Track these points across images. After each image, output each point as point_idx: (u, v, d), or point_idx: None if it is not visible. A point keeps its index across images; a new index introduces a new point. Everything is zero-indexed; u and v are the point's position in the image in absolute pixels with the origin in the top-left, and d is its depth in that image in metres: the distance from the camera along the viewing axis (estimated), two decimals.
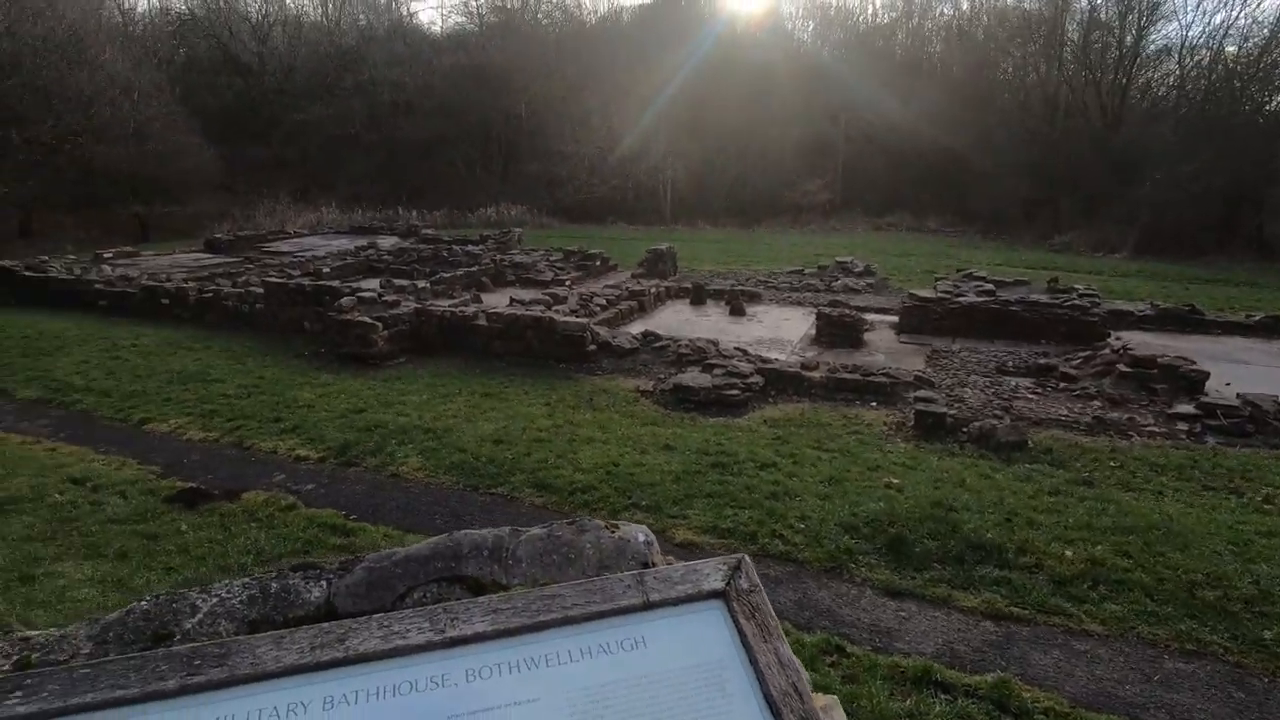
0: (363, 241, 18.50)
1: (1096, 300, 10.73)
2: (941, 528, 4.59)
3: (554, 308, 10.95)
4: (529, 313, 10.09)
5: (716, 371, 8.63)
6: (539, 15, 42.27)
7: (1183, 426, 7.18)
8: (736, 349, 9.66)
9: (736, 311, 12.48)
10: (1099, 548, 4.33)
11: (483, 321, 10.23)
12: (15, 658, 1.14)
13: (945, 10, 39.33)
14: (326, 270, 15.29)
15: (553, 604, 1.15)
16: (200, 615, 1.21)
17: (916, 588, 4.02)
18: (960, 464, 6.16)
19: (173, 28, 38.24)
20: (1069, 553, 4.24)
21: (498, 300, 12.49)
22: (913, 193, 33.10)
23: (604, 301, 11.91)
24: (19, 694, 0.97)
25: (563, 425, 7.04)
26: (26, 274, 14.04)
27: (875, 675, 3.21)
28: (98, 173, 23.78)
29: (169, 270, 15.05)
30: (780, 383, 8.52)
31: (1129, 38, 26.46)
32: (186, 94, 31.17)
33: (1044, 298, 11.10)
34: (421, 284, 13.42)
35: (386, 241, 18.79)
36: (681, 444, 6.47)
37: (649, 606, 1.19)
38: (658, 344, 10.05)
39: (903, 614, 3.81)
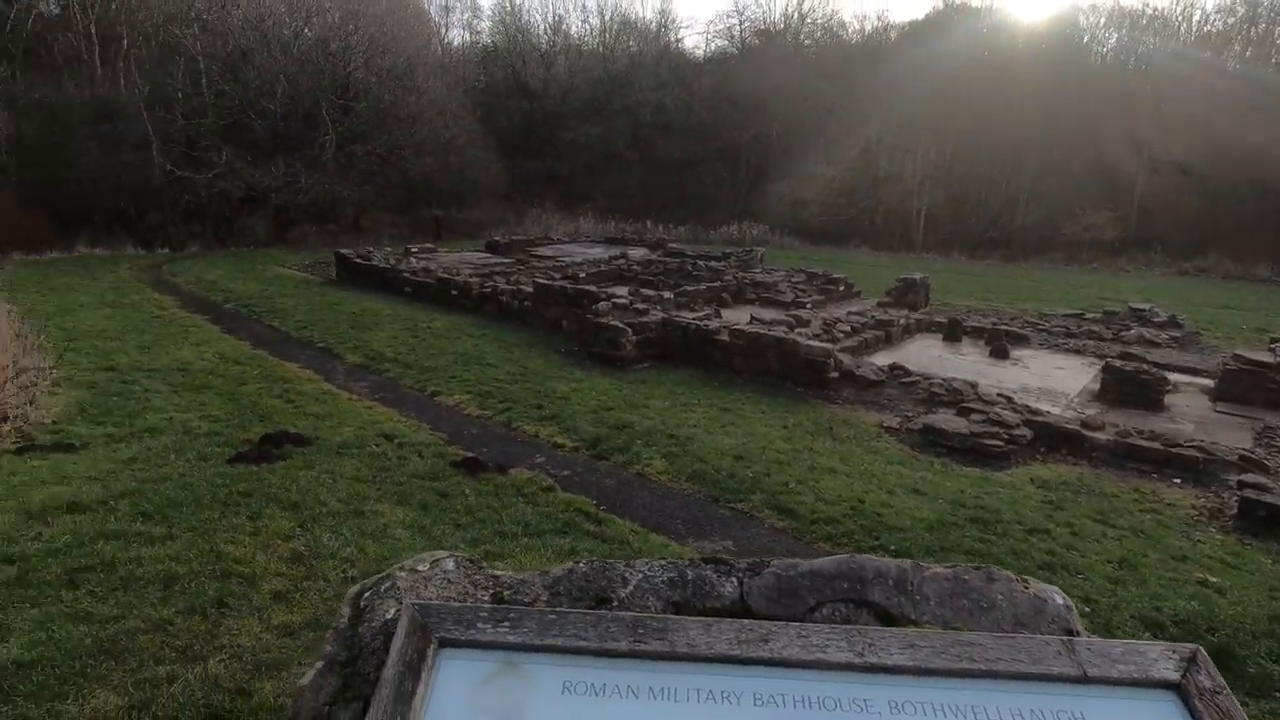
0: (615, 251, 19.86)
1: None
2: None
3: (796, 330, 10.78)
4: (771, 333, 10.04)
5: (974, 417, 7.86)
6: (800, 36, 42.27)
7: None
8: (999, 395, 8.72)
9: (998, 353, 11.28)
10: None
11: (724, 337, 10.40)
12: (491, 591, 1.35)
13: None
14: (583, 275, 16.62)
15: (973, 652, 1.08)
16: (630, 587, 1.34)
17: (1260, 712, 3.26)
18: None
19: (478, 58, 44.46)
20: None
21: (737, 316, 12.60)
22: (1235, 233, 27.55)
23: (848, 328, 11.48)
24: (506, 624, 1.15)
25: (802, 451, 6.88)
26: (357, 260, 17.15)
27: None
28: (413, 181, 28.33)
29: (458, 266, 17.43)
30: (1052, 439, 7.53)
31: None
32: (485, 115, 35.96)
33: None
34: (666, 295, 14.00)
35: (636, 252, 19.95)
36: (933, 490, 5.98)
37: (1085, 680, 1.07)
38: (906, 379, 9.44)
39: None
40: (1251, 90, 29.24)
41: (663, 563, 1.46)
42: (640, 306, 11.34)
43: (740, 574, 1.39)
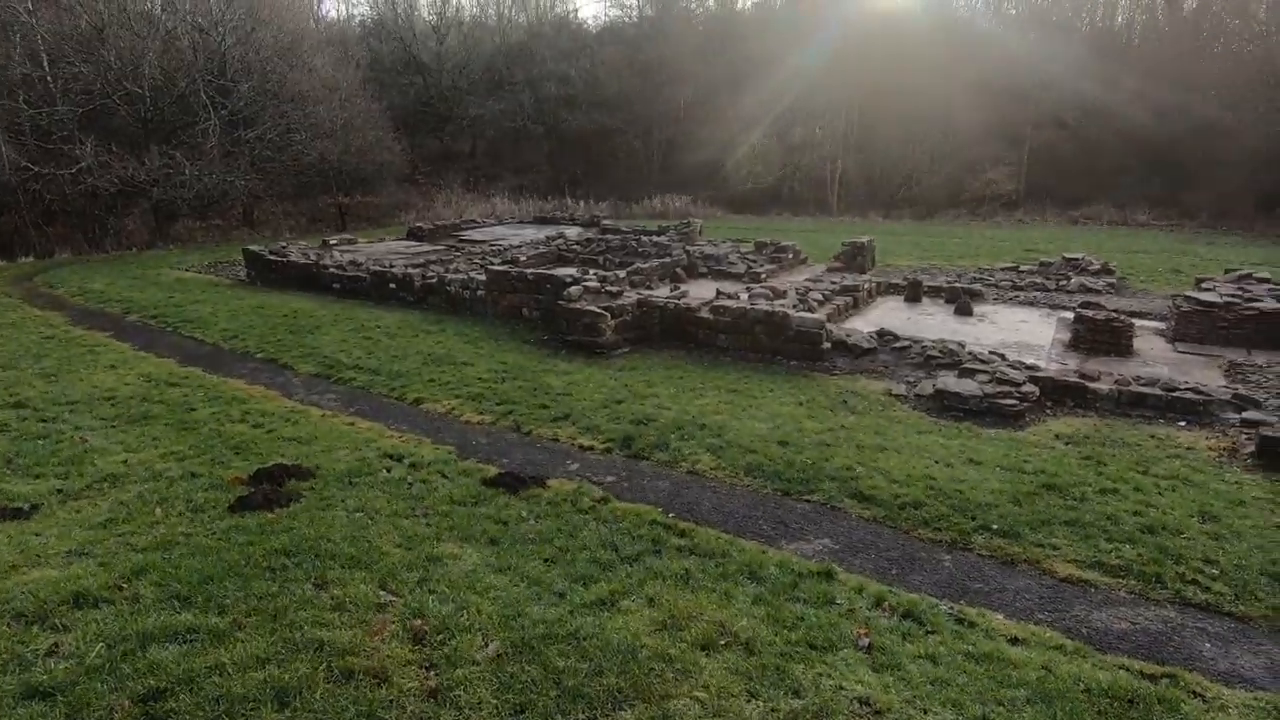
0: (550, 231, 19.03)
1: None
2: None
3: (774, 302, 10.56)
4: (758, 307, 9.76)
5: (980, 377, 7.90)
6: (692, 4, 41.89)
7: None
8: (991, 354, 8.83)
9: (963, 311, 11.53)
10: None
11: (706, 314, 10.04)
12: None
13: None
14: (524, 259, 15.77)
15: None
16: None
17: None
18: None
19: (359, 32, 41.40)
20: None
21: (699, 292, 12.27)
22: (1112, 182, 29.82)
23: (820, 297, 11.38)
24: None
25: (836, 429, 6.64)
26: (271, 257, 15.52)
27: None
28: (308, 167, 26.07)
29: (386, 256, 16.13)
30: (1056, 393, 7.67)
31: None
32: (376, 93, 33.57)
33: None
34: (620, 274, 13.45)
35: (571, 231, 19.20)
36: (985, 459, 5.89)
37: None
38: (896, 344, 9.43)
39: None
40: (1103, 49, 31.57)
41: None
42: (613, 289, 10.78)
43: None
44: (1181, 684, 3.20)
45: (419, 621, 3.09)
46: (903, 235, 22.84)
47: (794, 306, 10.49)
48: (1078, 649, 3.38)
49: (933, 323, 11.09)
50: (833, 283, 12.59)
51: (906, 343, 9.38)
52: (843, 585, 3.88)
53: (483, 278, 12.28)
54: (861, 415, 7.20)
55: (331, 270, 14.47)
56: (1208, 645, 3.57)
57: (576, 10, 46.36)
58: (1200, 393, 7.32)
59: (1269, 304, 9.43)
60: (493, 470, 5.55)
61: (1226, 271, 12.14)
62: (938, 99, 30.10)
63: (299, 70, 25.86)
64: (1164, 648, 3.54)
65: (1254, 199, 24.73)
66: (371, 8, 43.82)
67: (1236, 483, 5.59)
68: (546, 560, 3.92)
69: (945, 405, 7.48)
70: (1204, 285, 11.17)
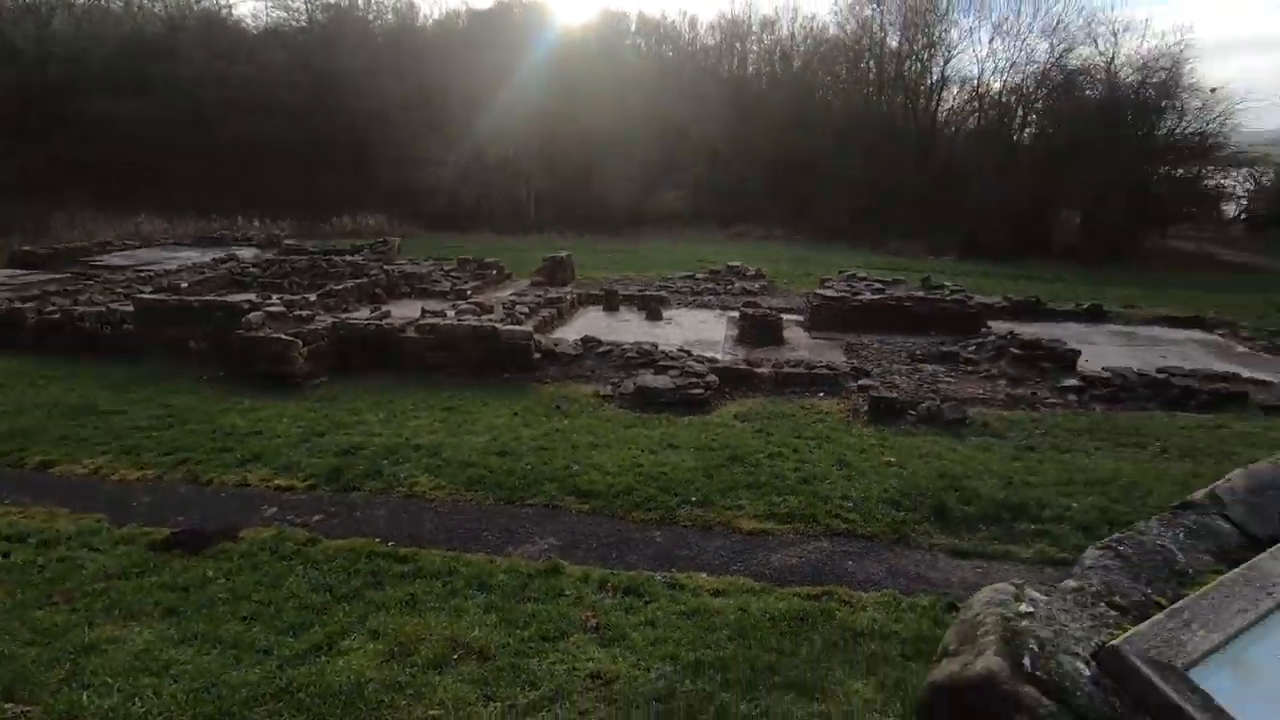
0: (219, 253, 16.60)
1: (969, 295, 12.30)
2: (966, 495, 5.17)
3: (483, 317, 10.59)
4: (467, 323, 9.71)
5: (672, 373, 8.86)
6: (369, 15, 40.07)
7: (1073, 397, 8.51)
8: (680, 351, 9.95)
9: (653, 316, 12.78)
10: (1090, 499, 5.12)
11: (413, 334, 9.69)
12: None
13: (766, 37, 41.77)
14: (185, 285, 13.55)
15: None
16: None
17: (977, 547, 4.53)
18: (926, 442, 6.86)
19: None
20: (1075, 504, 4.98)
21: (403, 312, 11.81)
22: (754, 203, 35.52)
23: (526, 310, 11.72)
24: (1197, 625, 0.96)
25: (550, 433, 6.91)
26: None
27: None
28: None
29: None
30: (732, 380, 8.93)
31: (935, 68, 30.44)
32: None
33: (923, 293, 12.53)
34: (310, 297, 12.34)
35: (246, 253, 16.98)
36: (682, 442, 6.62)
37: None
38: (600, 349, 10.09)
39: (980, 570, 4.28)
40: (739, 92, 37.79)
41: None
42: (303, 314, 9.81)
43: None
44: (835, 597, 4.00)
45: None
46: (596, 250, 24.48)
47: (502, 320, 10.65)
48: (764, 588, 4.03)
49: (630, 328, 12.11)
50: (537, 296, 13.04)
51: (609, 347, 10.10)
52: (569, 577, 4.09)
53: (130, 309, 10.27)
54: (574, 418, 7.59)
55: None
56: (850, 564, 4.51)
57: (230, 6, 41.06)
58: (831, 369, 9.12)
59: (867, 296, 12.12)
60: (164, 532, 4.69)
61: (839, 273, 15.29)
62: (616, 126, 32.94)
63: None
64: (822, 572, 4.39)
65: (851, 217, 31.51)
66: None
67: (859, 435, 7.10)
68: (245, 618, 3.44)
69: (646, 400, 8.23)
70: (826, 284, 13.90)
